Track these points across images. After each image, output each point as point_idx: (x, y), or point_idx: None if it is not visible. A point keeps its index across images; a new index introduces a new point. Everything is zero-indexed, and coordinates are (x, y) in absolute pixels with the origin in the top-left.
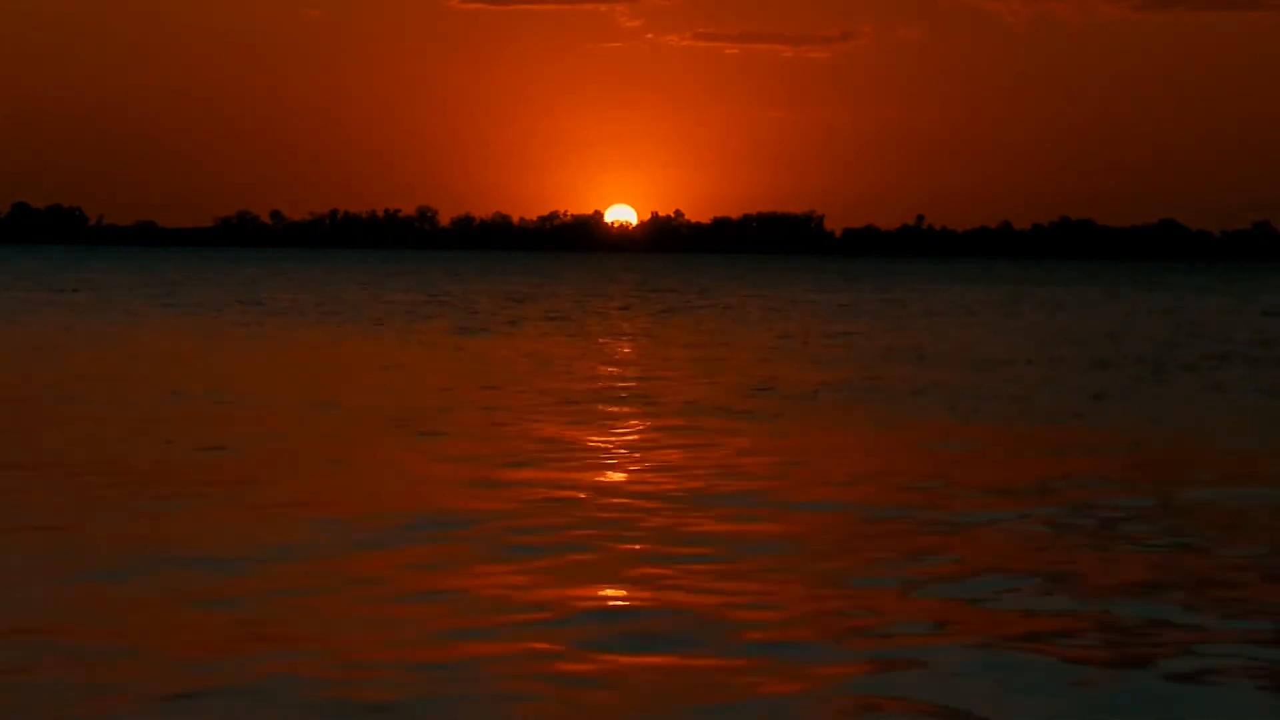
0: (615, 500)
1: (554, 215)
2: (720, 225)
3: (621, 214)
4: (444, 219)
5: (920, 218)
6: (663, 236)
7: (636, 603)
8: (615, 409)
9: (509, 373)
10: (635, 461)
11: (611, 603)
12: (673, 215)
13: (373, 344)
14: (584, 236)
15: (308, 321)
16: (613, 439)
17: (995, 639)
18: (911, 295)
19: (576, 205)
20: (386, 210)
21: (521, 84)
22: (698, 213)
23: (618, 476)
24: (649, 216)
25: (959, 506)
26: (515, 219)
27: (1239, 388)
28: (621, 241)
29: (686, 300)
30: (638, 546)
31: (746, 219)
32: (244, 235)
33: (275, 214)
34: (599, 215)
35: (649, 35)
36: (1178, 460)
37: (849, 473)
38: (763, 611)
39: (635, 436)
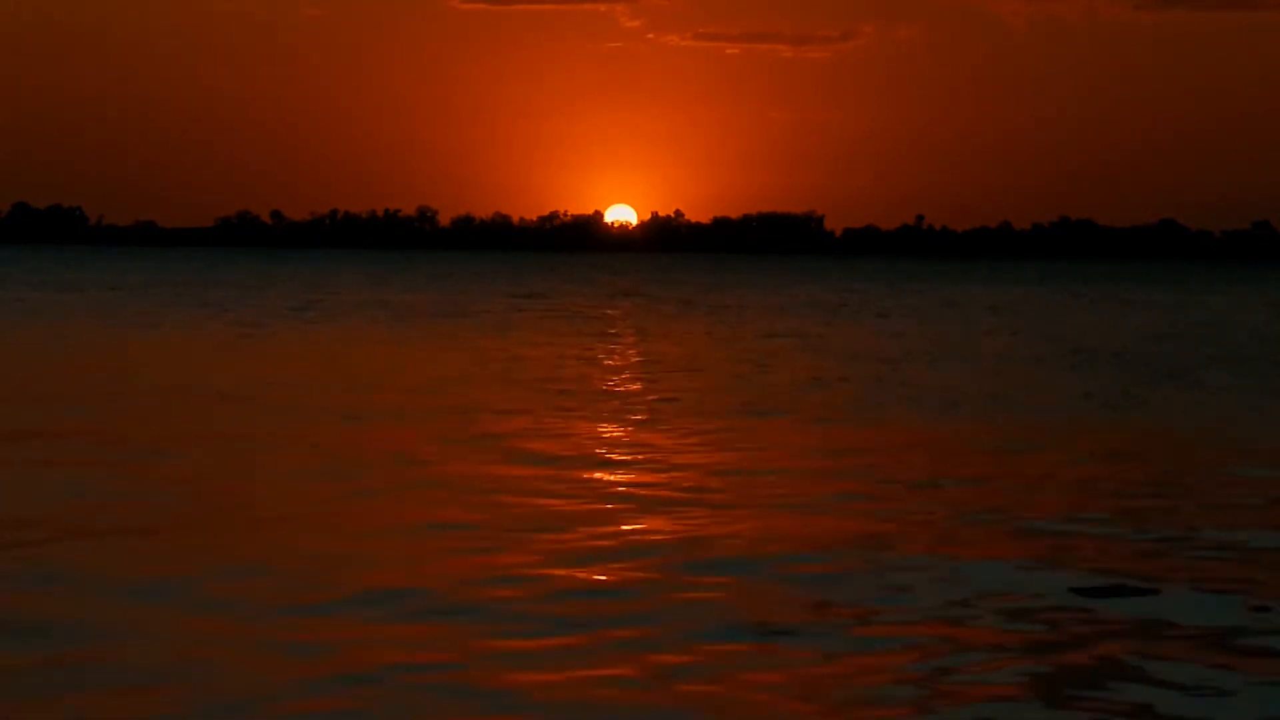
0: None
1: (554, 215)
2: (720, 225)
3: (621, 214)
4: (444, 219)
5: (920, 218)
6: (663, 236)
7: None
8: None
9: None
10: None
11: None
12: (673, 215)
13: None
14: (584, 236)
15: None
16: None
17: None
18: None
19: (576, 205)
20: (386, 210)
21: (522, 84)
22: (698, 213)
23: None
24: (649, 216)
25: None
26: (515, 219)
27: None
28: (622, 241)
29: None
30: None
31: (746, 219)
32: (244, 235)
33: (275, 214)
34: (599, 215)
35: (649, 35)
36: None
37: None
38: None
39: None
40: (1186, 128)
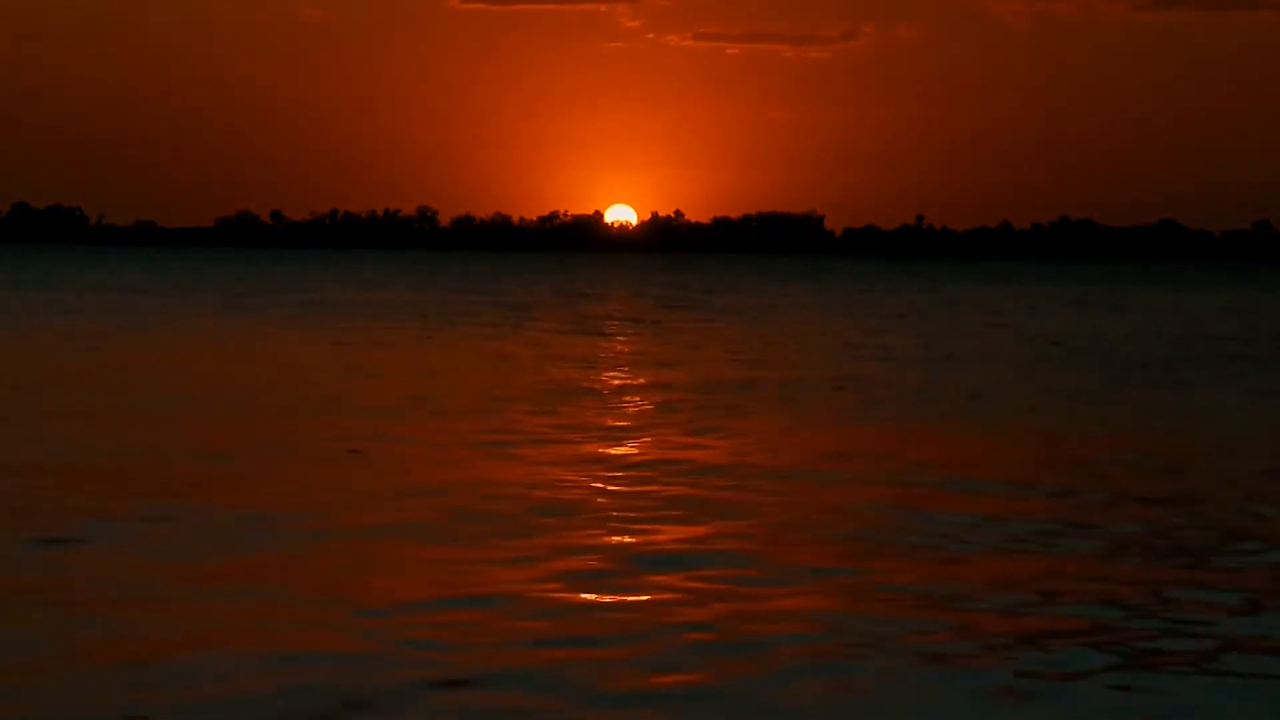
0: None
1: (554, 215)
2: (720, 225)
3: (621, 214)
4: (444, 219)
5: (920, 218)
6: (663, 236)
7: None
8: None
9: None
10: None
11: None
12: (673, 215)
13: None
14: (584, 236)
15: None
16: None
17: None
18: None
19: (576, 205)
20: (386, 210)
21: (521, 84)
22: (698, 213)
23: None
24: (649, 216)
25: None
26: (515, 219)
27: None
28: (621, 241)
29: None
30: None
31: (746, 219)
32: (244, 235)
33: (275, 214)
34: (599, 215)
35: (649, 35)
36: None
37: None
38: None
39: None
40: (1187, 127)
